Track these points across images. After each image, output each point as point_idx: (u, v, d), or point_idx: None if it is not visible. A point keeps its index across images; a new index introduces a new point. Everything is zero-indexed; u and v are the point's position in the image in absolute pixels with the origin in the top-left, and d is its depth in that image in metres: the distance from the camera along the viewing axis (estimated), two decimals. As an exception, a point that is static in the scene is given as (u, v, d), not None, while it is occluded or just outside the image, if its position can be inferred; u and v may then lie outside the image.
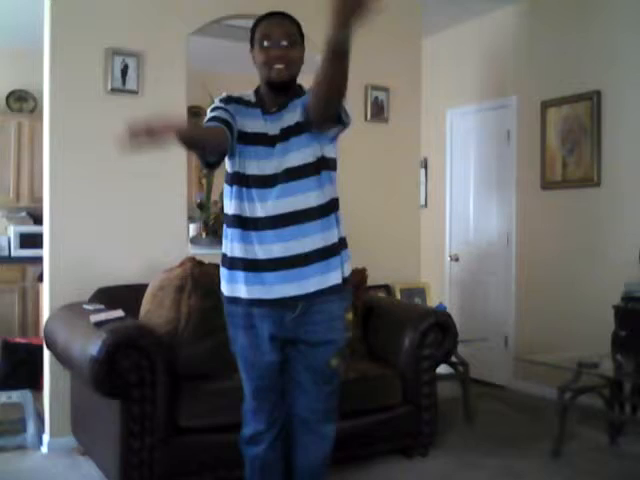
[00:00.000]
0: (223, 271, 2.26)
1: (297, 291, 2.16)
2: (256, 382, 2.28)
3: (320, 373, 2.26)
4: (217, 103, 2.24)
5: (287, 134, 2.18)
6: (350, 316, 2.35)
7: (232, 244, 2.21)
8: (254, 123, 2.21)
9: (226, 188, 2.25)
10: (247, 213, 2.17)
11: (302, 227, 2.15)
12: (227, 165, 2.24)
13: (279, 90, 2.20)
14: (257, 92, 2.27)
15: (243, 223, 2.18)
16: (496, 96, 5.27)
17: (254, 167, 2.18)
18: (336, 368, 2.28)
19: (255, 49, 2.21)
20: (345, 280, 2.24)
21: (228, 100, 2.25)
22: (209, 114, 2.19)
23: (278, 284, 2.15)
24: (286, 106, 2.21)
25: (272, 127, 2.20)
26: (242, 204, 2.18)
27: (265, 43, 2.16)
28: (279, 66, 2.14)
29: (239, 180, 2.19)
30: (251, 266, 2.17)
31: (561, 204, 4.73)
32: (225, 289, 2.27)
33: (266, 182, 2.16)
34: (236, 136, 2.17)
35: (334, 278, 2.20)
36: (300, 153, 2.17)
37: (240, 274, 2.19)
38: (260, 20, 2.22)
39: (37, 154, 5.50)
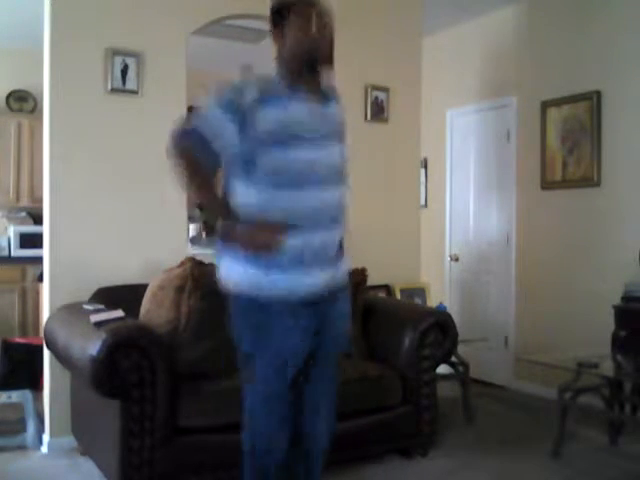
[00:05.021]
0: (251, 270, 2.15)
1: (329, 282, 2.20)
2: (290, 375, 2.20)
3: (332, 363, 2.33)
4: (231, 97, 2.13)
5: (331, 130, 2.23)
6: None
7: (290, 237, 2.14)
8: (298, 110, 2.16)
9: (263, 180, 2.14)
10: (292, 206, 2.13)
11: (336, 222, 2.22)
12: (261, 160, 2.13)
13: (311, 75, 2.22)
14: (286, 79, 2.21)
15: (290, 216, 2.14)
16: (496, 96, 5.27)
17: (302, 158, 2.14)
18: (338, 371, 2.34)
19: (293, 31, 2.18)
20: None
21: (261, 98, 2.11)
22: (215, 107, 2.12)
23: (316, 273, 2.17)
24: (327, 99, 2.25)
25: (316, 116, 2.20)
26: (292, 196, 2.13)
27: (309, 24, 2.17)
28: (317, 50, 2.18)
29: (283, 172, 2.13)
30: (294, 258, 2.13)
31: (561, 204, 4.73)
32: (259, 286, 2.15)
33: (307, 178, 2.16)
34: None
35: (347, 274, 2.32)
36: (339, 151, 2.25)
37: (282, 266, 2.13)
38: (304, 1, 2.20)
39: (37, 154, 5.49)
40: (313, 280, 2.16)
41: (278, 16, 2.23)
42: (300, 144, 2.13)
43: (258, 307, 2.15)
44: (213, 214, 2.24)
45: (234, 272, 2.18)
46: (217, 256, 2.25)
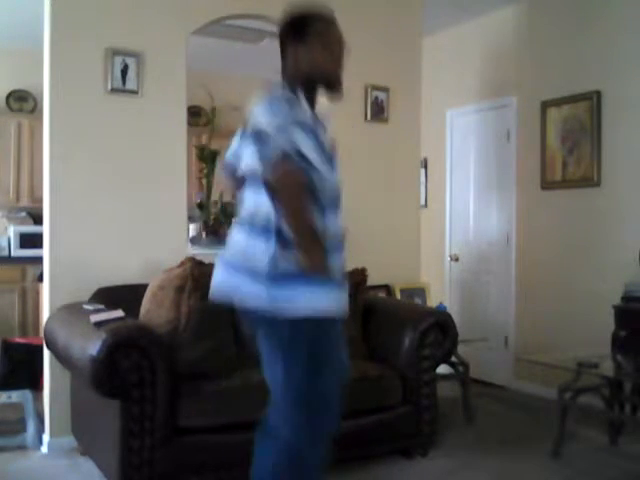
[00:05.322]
0: (319, 289, 2.09)
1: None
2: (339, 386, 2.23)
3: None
4: (303, 130, 2.05)
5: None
6: None
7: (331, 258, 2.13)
8: (324, 135, 2.17)
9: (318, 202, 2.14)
10: (335, 229, 2.17)
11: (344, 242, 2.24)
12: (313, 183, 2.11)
13: (314, 98, 2.20)
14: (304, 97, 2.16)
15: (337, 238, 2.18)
16: (496, 96, 5.27)
17: (335, 181, 2.17)
18: None
19: (317, 47, 2.12)
20: None
21: (300, 121, 2.06)
22: (303, 138, 2.02)
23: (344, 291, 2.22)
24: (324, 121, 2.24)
25: (330, 140, 2.21)
26: (332, 218, 2.16)
27: (338, 49, 2.14)
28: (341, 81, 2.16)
29: (330, 201, 2.16)
30: (336, 277, 2.16)
31: (561, 204, 4.73)
32: (324, 307, 2.10)
33: (338, 200, 2.20)
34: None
35: None
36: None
37: (339, 285, 2.17)
38: (327, 19, 2.15)
39: (37, 154, 5.50)
40: (345, 297, 2.21)
41: (297, 29, 2.14)
42: (332, 168, 2.16)
43: (321, 328, 2.10)
44: (316, 247, 2.05)
45: (300, 297, 2.06)
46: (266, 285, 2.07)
